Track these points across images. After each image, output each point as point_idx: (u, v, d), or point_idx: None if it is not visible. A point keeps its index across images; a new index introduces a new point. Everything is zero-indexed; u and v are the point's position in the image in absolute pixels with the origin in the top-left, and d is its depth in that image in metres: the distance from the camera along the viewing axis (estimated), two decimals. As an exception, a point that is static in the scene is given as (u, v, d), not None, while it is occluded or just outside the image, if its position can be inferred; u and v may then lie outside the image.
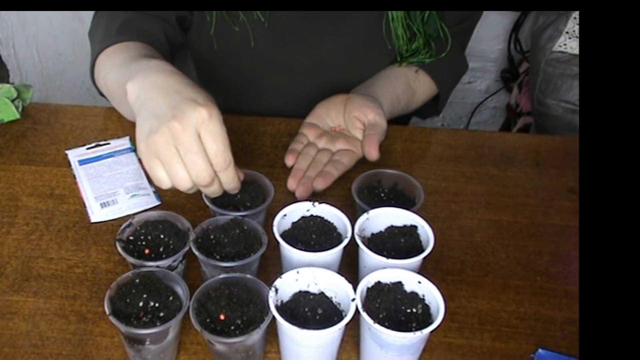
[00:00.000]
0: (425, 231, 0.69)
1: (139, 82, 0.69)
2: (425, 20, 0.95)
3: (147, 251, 0.68)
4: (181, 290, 0.63)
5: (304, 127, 0.91)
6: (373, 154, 0.85)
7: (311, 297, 0.63)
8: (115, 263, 0.75)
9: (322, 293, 0.64)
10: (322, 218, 0.72)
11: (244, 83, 1.03)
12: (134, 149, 0.91)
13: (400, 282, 0.64)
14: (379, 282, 0.64)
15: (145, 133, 0.65)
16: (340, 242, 0.68)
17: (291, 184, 0.83)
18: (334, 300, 0.63)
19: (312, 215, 0.72)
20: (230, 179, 0.68)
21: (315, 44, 0.97)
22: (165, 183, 0.66)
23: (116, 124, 0.96)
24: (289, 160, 0.87)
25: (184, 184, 0.65)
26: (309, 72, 1.00)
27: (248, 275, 0.64)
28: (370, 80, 0.98)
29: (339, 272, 0.64)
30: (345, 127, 0.91)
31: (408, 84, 1.00)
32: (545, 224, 0.85)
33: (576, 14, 1.35)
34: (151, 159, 0.65)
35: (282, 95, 1.03)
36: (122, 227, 0.70)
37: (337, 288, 0.63)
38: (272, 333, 0.65)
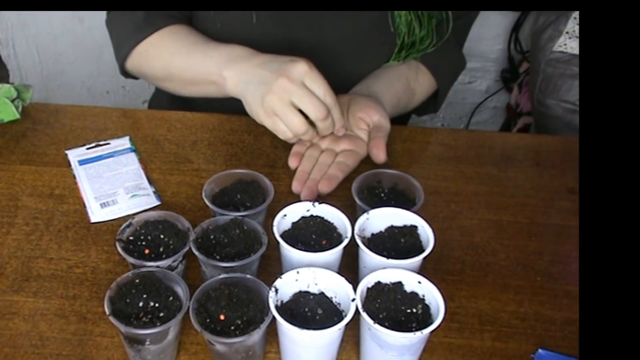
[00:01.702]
0: (425, 231, 0.69)
1: (236, 68, 0.82)
2: None
3: (147, 251, 0.68)
4: (181, 290, 0.63)
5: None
6: (381, 156, 0.86)
7: (311, 297, 0.63)
8: (115, 263, 0.75)
9: (322, 293, 0.64)
10: (322, 218, 0.72)
11: None
12: (134, 149, 0.91)
13: (400, 282, 0.64)
14: (379, 282, 0.64)
15: (258, 99, 0.77)
16: (340, 242, 0.68)
17: (296, 186, 0.83)
18: (334, 300, 0.63)
19: (312, 216, 0.72)
20: (339, 115, 0.81)
21: (317, 27, 0.96)
22: (287, 133, 0.78)
23: (116, 124, 0.96)
24: (293, 163, 0.86)
25: (300, 126, 0.77)
26: (310, 58, 0.99)
27: (248, 276, 0.64)
28: (371, 80, 0.98)
29: (339, 272, 0.64)
30: (349, 126, 0.91)
31: (408, 85, 1.00)
32: (545, 224, 0.85)
33: (576, 14, 1.35)
34: (270, 118, 0.78)
35: None
36: (122, 227, 0.70)
37: (337, 288, 0.63)
38: (272, 333, 0.65)
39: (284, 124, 0.77)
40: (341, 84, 0.96)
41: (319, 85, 0.77)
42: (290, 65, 0.77)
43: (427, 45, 0.97)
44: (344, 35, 0.97)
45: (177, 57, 0.90)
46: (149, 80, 0.99)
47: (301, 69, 0.77)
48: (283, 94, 0.76)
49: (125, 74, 1.00)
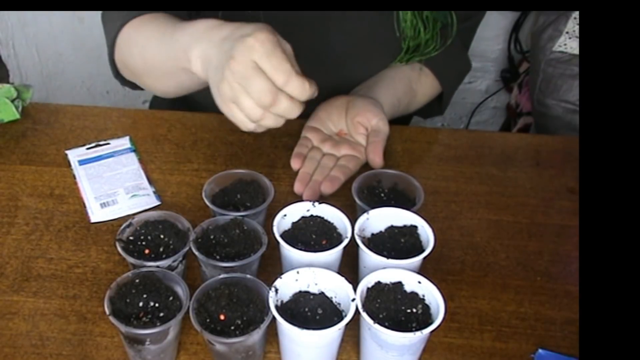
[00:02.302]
0: (425, 231, 0.69)
1: (198, 50, 0.71)
2: None
3: (147, 251, 0.68)
4: (181, 290, 0.63)
5: (306, 130, 0.91)
6: (377, 162, 0.86)
7: (311, 297, 0.63)
8: (115, 263, 0.75)
9: (322, 293, 0.64)
10: (322, 218, 0.72)
11: None
12: (134, 149, 0.91)
13: (400, 282, 0.64)
14: (379, 282, 0.64)
15: (215, 88, 0.68)
16: (340, 242, 0.68)
17: (298, 187, 0.83)
18: (334, 300, 0.63)
19: (312, 215, 0.72)
20: (298, 88, 0.66)
21: (322, 32, 0.96)
22: (246, 123, 0.68)
23: (116, 124, 0.96)
24: (296, 164, 0.86)
25: (253, 113, 0.66)
26: (314, 63, 0.98)
27: (248, 275, 0.64)
28: (371, 80, 0.98)
29: (339, 272, 0.64)
30: (347, 130, 0.91)
31: (410, 86, 0.99)
32: (545, 224, 0.85)
33: (576, 14, 1.35)
34: (227, 106, 0.67)
35: None
36: (122, 227, 0.70)
37: (337, 288, 0.63)
38: (272, 333, 0.65)
39: (241, 113, 0.67)
40: (345, 86, 0.96)
41: (267, 60, 0.65)
42: (239, 43, 0.65)
43: (431, 49, 0.97)
44: (349, 40, 0.97)
45: (151, 42, 0.82)
46: (133, 77, 0.91)
47: (249, 46, 0.65)
48: (232, 79, 0.65)
49: (118, 75, 0.95)
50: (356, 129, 0.89)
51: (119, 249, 0.67)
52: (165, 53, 0.78)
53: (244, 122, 0.68)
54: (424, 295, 0.63)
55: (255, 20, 0.92)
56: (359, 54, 0.98)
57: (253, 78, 0.64)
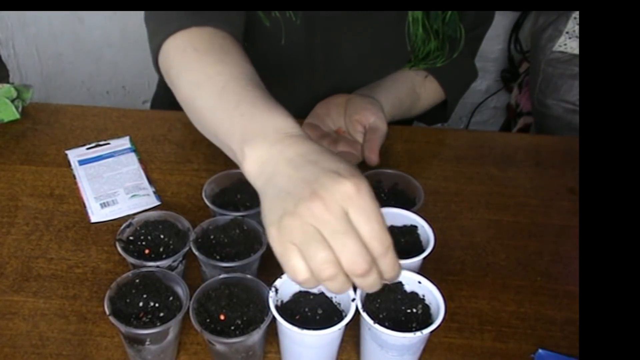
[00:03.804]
0: (425, 231, 0.69)
1: (262, 151, 0.57)
2: (446, 21, 0.94)
3: (147, 251, 0.68)
4: (181, 290, 0.63)
5: (305, 127, 0.91)
6: (373, 159, 0.85)
7: (311, 297, 0.63)
8: (115, 263, 0.75)
9: (322, 293, 0.64)
10: None
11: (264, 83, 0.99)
12: (134, 149, 0.91)
13: (400, 282, 0.64)
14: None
15: (277, 215, 0.53)
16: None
17: None
18: (334, 300, 0.63)
19: (312, 215, 0.72)
20: (390, 266, 0.53)
21: (335, 44, 0.96)
22: (302, 274, 0.52)
23: (116, 124, 0.96)
24: None
25: (329, 271, 0.51)
26: (325, 73, 0.99)
27: (248, 275, 0.64)
28: (375, 82, 0.98)
29: (339, 272, 0.63)
30: (345, 129, 0.91)
31: (413, 89, 0.99)
32: (545, 224, 0.85)
33: (576, 14, 1.35)
34: (285, 246, 0.52)
35: (294, 96, 1.02)
36: (122, 227, 0.70)
37: (337, 288, 0.63)
38: (272, 333, 0.65)
39: (301, 262, 0.52)
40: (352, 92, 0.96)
41: (366, 219, 0.51)
42: (332, 181, 0.51)
43: (438, 60, 0.97)
44: (359, 53, 0.97)
45: (208, 85, 0.67)
46: (173, 91, 0.75)
47: (345, 190, 0.51)
48: (310, 221, 0.51)
49: (159, 69, 0.80)
50: (354, 127, 0.89)
51: (119, 249, 0.67)
52: (220, 120, 0.64)
53: (300, 271, 0.52)
54: (424, 295, 0.63)
55: (277, 37, 0.92)
56: (368, 66, 0.99)
57: (345, 235, 0.51)
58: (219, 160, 0.90)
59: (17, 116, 0.94)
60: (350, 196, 0.51)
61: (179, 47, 0.72)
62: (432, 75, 1.00)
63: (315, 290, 0.64)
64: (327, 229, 0.51)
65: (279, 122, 0.59)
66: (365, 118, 0.88)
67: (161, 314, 0.61)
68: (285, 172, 0.54)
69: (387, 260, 0.53)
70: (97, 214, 0.81)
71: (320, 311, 0.62)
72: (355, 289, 0.61)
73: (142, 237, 0.70)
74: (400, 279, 0.64)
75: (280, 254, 0.53)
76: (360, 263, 0.51)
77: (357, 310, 0.60)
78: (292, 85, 1.00)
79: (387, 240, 0.52)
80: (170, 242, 0.69)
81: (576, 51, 1.35)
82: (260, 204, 0.73)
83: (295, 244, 0.52)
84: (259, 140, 0.58)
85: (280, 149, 0.56)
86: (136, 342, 0.61)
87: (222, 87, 0.65)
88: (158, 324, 0.60)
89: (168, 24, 0.74)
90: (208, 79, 0.67)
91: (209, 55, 0.70)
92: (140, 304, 0.61)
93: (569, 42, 1.36)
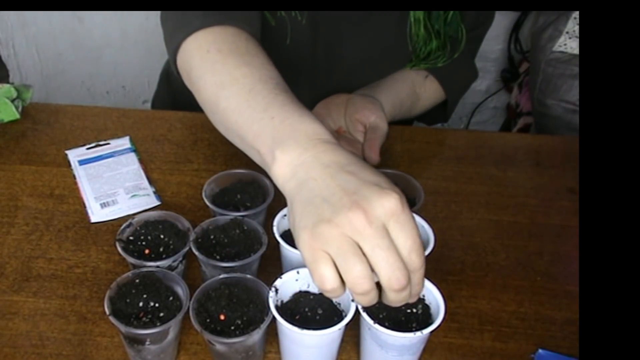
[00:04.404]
0: (425, 231, 0.69)
1: (295, 155, 0.56)
2: (447, 21, 0.94)
3: (147, 251, 0.68)
4: (181, 290, 0.63)
5: None
6: (374, 158, 0.85)
7: (311, 297, 0.63)
8: (115, 263, 0.75)
9: (322, 293, 0.64)
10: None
11: None
12: (134, 149, 0.91)
13: (400, 282, 0.64)
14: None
15: (311, 220, 0.52)
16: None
17: None
18: (334, 300, 0.63)
19: (312, 215, 0.72)
20: (420, 281, 0.54)
21: (337, 44, 0.96)
22: (330, 283, 0.52)
23: (116, 124, 0.96)
24: None
25: (366, 286, 0.51)
26: (327, 73, 0.99)
27: (248, 275, 0.64)
28: (375, 82, 0.98)
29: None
30: (346, 128, 0.91)
31: (413, 89, 0.99)
32: (545, 224, 0.85)
33: (576, 14, 1.35)
34: (316, 252, 0.52)
35: (297, 95, 1.02)
36: (122, 227, 0.70)
37: (337, 288, 0.63)
38: (272, 333, 0.65)
39: (332, 271, 0.52)
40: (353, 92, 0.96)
41: (406, 237, 0.52)
42: (376, 195, 0.51)
43: (438, 60, 0.97)
44: (360, 53, 0.97)
45: (235, 86, 0.65)
46: (193, 93, 0.74)
47: (389, 206, 0.51)
48: (349, 232, 0.51)
49: (177, 70, 0.78)
50: (355, 126, 0.89)
51: (119, 249, 0.67)
52: (248, 123, 0.62)
53: (329, 280, 0.52)
54: (424, 295, 0.63)
55: (283, 37, 0.91)
56: (370, 67, 0.99)
57: (388, 251, 0.51)
58: (219, 160, 0.90)
59: (17, 116, 0.94)
60: (394, 211, 0.51)
61: (202, 48, 0.71)
62: (432, 75, 1.00)
63: (315, 290, 0.64)
64: (368, 243, 0.51)
65: (311, 127, 0.58)
66: (365, 117, 0.88)
67: (161, 314, 0.61)
68: (321, 178, 0.54)
69: (419, 275, 0.53)
70: (97, 214, 0.81)
71: (320, 311, 0.62)
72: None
73: (142, 237, 0.70)
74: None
75: (311, 260, 0.52)
76: (400, 278, 0.51)
77: (357, 310, 0.60)
78: (295, 85, 1.00)
79: (423, 255, 0.53)
80: (170, 242, 0.69)
81: (576, 51, 1.35)
82: (259, 204, 0.73)
83: (327, 252, 0.51)
84: (291, 143, 0.57)
85: (314, 155, 0.56)
86: (136, 342, 0.61)
87: (249, 90, 0.64)
88: (158, 324, 0.60)
89: (189, 23, 0.72)
90: (234, 81, 0.66)
91: (234, 57, 0.69)
92: (140, 304, 0.61)
93: (569, 42, 1.36)
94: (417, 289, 0.55)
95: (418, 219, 0.71)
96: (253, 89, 0.64)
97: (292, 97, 0.63)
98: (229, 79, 0.66)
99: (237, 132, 0.65)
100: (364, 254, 0.51)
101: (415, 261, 0.52)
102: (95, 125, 0.96)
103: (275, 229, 0.68)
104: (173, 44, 0.74)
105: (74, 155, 0.90)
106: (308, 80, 0.99)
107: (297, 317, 0.62)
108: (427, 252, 0.67)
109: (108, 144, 0.91)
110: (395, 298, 0.53)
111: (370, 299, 0.53)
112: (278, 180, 0.58)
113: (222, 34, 0.71)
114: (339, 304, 0.63)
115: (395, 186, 0.54)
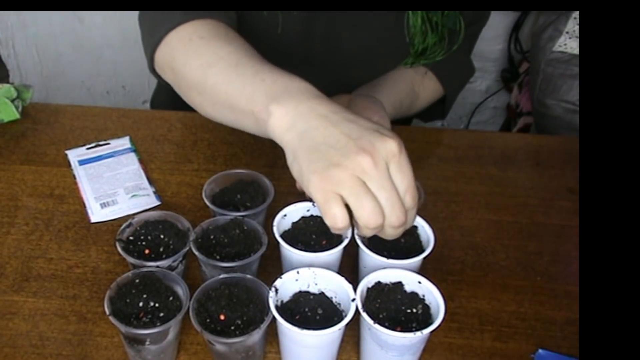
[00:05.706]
0: (425, 231, 0.69)
1: (291, 107, 0.60)
2: (445, 13, 0.94)
3: (147, 251, 0.68)
4: (181, 290, 0.63)
5: None
6: None
7: (311, 297, 0.63)
8: (115, 263, 0.75)
9: (322, 293, 0.64)
10: (322, 218, 0.72)
11: None
12: (134, 149, 0.91)
13: (400, 282, 0.64)
14: (379, 283, 0.64)
15: (320, 165, 0.57)
16: (340, 242, 0.68)
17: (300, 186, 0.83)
18: (334, 300, 0.63)
19: (312, 215, 0.72)
20: (412, 218, 0.61)
21: (334, 36, 0.96)
22: (342, 221, 0.57)
23: (116, 124, 0.96)
24: None
25: (376, 219, 0.56)
26: (323, 65, 0.98)
27: (248, 275, 0.64)
28: (374, 82, 0.98)
29: (339, 272, 0.64)
30: None
31: (412, 88, 0.99)
32: (545, 224, 0.85)
33: (576, 14, 1.35)
34: (328, 194, 0.56)
35: None
36: (122, 227, 0.70)
37: (337, 288, 0.63)
38: (272, 333, 0.65)
39: (343, 210, 0.57)
40: (351, 89, 0.96)
41: (403, 178, 0.58)
42: (379, 140, 0.57)
43: (437, 53, 0.97)
44: (358, 46, 0.97)
45: (222, 65, 0.69)
46: (175, 83, 0.77)
47: (391, 149, 0.57)
48: (358, 174, 0.56)
49: (153, 69, 0.82)
50: None
51: (119, 249, 0.67)
52: (239, 89, 0.66)
53: (341, 219, 0.57)
54: (424, 295, 0.63)
55: (274, 25, 0.92)
56: (367, 59, 0.99)
57: (390, 192, 0.57)
58: (219, 160, 0.90)
59: (17, 116, 0.94)
60: (395, 154, 0.57)
61: (184, 38, 0.74)
62: (430, 71, 1.00)
63: (315, 291, 0.64)
64: (374, 184, 0.56)
65: (302, 84, 0.63)
66: (367, 117, 0.88)
67: (161, 314, 0.61)
68: (323, 127, 0.58)
69: (413, 212, 0.60)
70: (97, 214, 0.81)
71: (320, 311, 0.62)
72: (355, 289, 0.62)
73: (142, 237, 0.70)
74: (400, 279, 0.64)
75: (323, 201, 0.57)
76: (400, 216, 0.57)
77: (357, 310, 0.60)
78: None
79: (416, 195, 0.59)
80: (170, 242, 0.69)
81: (576, 51, 1.35)
82: (259, 204, 0.73)
83: (339, 194, 0.56)
84: (285, 97, 0.61)
85: (310, 106, 0.60)
86: (136, 342, 0.61)
87: (236, 63, 0.68)
88: (158, 324, 0.60)
89: (170, 19, 0.75)
90: (220, 59, 0.69)
91: (216, 41, 0.72)
92: (140, 304, 0.61)
93: (569, 42, 1.36)
94: (409, 225, 0.61)
95: (418, 219, 0.71)
96: (240, 61, 0.68)
97: (278, 67, 0.67)
98: (214, 58, 0.70)
99: (228, 103, 0.68)
100: None
101: (409, 201, 0.59)
102: (95, 125, 0.96)
103: (275, 229, 0.68)
104: (154, 40, 0.76)
105: (74, 155, 0.90)
106: (303, 73, 0.99)
107: (297, 317, 0.62)
108: (427, 252, 0.67)
109: (108, 144, 0.91)
110: (393, 233, 0.59)
111: (378, 230, 0.58)
112: (275, 132, 0.61)
113: (203, 25, 0.74)
114: (339, 304, 0.63)
115: (394, 134, 0.59)
